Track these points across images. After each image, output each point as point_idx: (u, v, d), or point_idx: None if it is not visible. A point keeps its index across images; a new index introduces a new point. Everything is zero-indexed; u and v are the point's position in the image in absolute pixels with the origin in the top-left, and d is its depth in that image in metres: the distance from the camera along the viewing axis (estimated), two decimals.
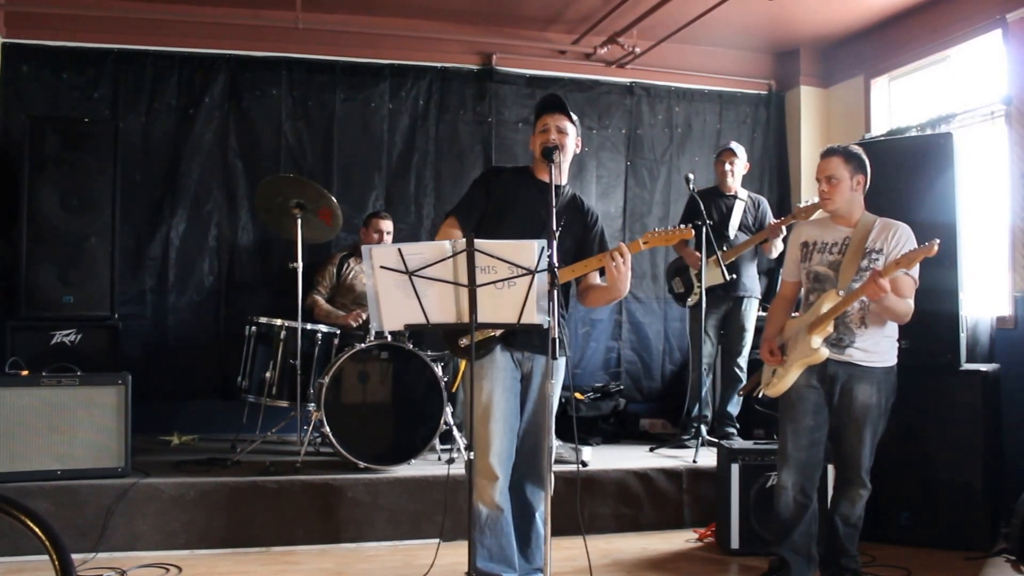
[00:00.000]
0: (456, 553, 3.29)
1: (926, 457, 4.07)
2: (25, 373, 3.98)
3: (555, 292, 2.71)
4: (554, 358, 2.71)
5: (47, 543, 1.64)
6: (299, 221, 4.58)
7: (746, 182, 5.44)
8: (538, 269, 2.69)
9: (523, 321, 2.76)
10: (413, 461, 4.35)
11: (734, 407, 5.21)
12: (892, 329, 3.39)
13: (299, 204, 4.58)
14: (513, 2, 5.65)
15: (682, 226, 3.10)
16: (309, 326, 4.76)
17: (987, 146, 5.02)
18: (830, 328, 3.28)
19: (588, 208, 3.25)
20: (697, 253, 4.91)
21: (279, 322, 4.74)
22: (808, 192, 6.16)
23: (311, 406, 4.60)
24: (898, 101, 5.99)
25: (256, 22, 5.61)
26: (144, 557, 3.71)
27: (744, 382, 5.04)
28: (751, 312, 5.19)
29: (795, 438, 3.39)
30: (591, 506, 4.29)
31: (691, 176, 5.07)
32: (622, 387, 6.03)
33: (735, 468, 3.99)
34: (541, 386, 3.02)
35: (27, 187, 4.54)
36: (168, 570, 3.56)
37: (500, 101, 6.07)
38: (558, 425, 3.05)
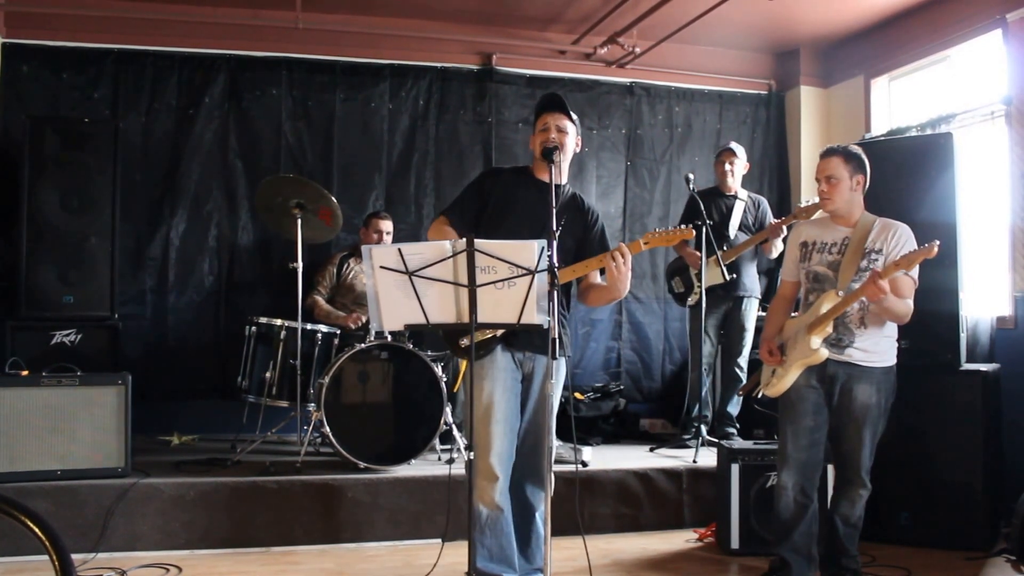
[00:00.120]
0: (456, 553, 3.29)
1: (926, 457, 4.07)
2: (25, 373, 3.98)
3: (555, 292, 2.71)
4: (554, 358, 2.71)
5: (47, 543, 1.64)
6: (299, 221, 4.58)
7: (746, 182, 5.44)
8: (538, 269, 2.69)
9: (523, 321, 2.76)
10: (413, 461, 4.35)
11: (734, 407, 5.21)
12: (891, 329, 3.39)
13: (299, 204, 4.58)
14: (513, 2, 5.65)
15: (682, 226, 3.10)
16: (309, 326, 4.76)
17: (987, 146, 5.02)
18: (829, 328, 3.28)
19: (588, 207, 3.25)
20: (697, 253, 4.91)
21: (279, 322, 4.74)
22: (808, 192, 6.16)
23: (311, 406, 4.60)
24: (898, 101, 5.99)
25: (256, 22, 5.61)
26: (144, 557, 3.71)
27: (744, 382, 5.04)
28: (751, 312, 5.19)
29: (795, 438, 3.39)
30: (591, 506, 4.29)
31: (691, 176, 5.07)
32: (622, 387, 6.03)
33: (735, 468, 3.99)
34: (542, 386, 3.02)
35: (27, 187, 4.54)
36: (168, 570, 3.56)
37: (500, 101, 6.07)
38: (558, 425, 3.05)
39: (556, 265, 2.73)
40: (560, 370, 3.12)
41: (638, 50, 6.03)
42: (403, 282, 2.76)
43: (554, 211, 2.84)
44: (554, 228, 2.81)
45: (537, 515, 3.16)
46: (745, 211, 5.23)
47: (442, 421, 4.34)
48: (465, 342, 2.95)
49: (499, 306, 2.75)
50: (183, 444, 5.05)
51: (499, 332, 3.03)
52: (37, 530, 1.66)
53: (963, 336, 4.09)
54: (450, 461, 4.34)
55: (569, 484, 3.96)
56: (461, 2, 5.63)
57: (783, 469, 3.43)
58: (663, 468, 4.49)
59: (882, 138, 4.83)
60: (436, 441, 4.44)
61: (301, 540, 3.98)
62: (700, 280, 4.93)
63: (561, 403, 3.26)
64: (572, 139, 3.17)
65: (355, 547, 4.00)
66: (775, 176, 6.55)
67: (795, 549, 3.41)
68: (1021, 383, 4.41)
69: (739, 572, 3.80)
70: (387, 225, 5.21)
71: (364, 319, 4.94)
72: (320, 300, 5.17)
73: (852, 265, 3.31)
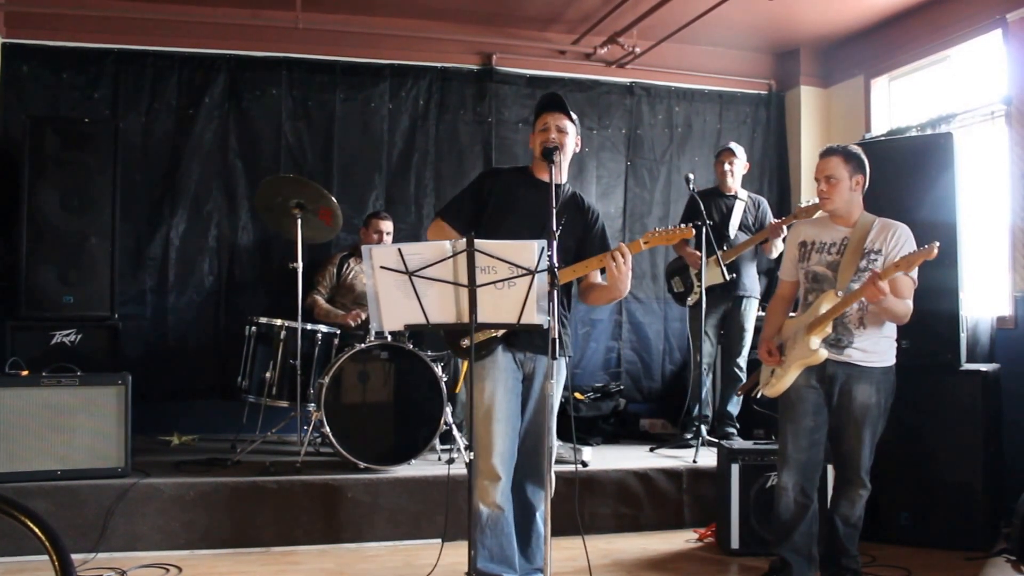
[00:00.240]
0: (456, 553, 3.29)
1: (926, 457, 4.07)
2: (25, 373, 3.97)
3: (555, 292, 2.71)
4: (554, 358, 2.71)
5: (47, 543, 1.64)
6: (299, 221, 4.58)
7: (746, 182, 5.44)
8: (538, 269, 2.69)
9: (523, 321, 2.76)
10: (413, 461, 4.35)
11: (734, 407, 5.21)
12: (891, 329, 3.39)
13: (299, 204, 4.58)
14: (513, 2, 5.65)
15: (682, 226, 3.10)
16: (309, 326, 4.76)
17: (987, 146, 5.02)
18: (829, 329, 3.28)
19: (588, 206, 3.25)
20: (697, 253, 4.91)
21: (279, 322, 4.74)
22: (808, 192, 6.15)
23: (311, 406, 4.60)
24: (898, 101, 5.99)
25: (256, 22, 5.61)
26: (144, 557, 3.71)
27: (743, 382, 5.04)
28: (751, 312, 5.19)
29: (795, 439, 3.39)
30: (591, 506, 4.29)
31: (691, 176, 5.07)
32: (622, 387, 6.03)
33: (735, 468, 3.99)
34: (542, 386, 3.01)
35: (27, 187, 4.54)
36: (168, 570, 3.56)
37: (500, 101, 6.07)
38: (558, 425, 3.05)
39: (556, 265, 2.73)
40: (560, 370, 3.12)
41: (638, 50, 6.03)
42: (403, 282, 2.76)
43: (554, 211, 2.84)
44: (554, 228, 2.81)
45: (537, 515, 3.16)
46: (745, 211, 5.23)
47: (442, 421, 4.34)
48: (466, 343, 2.94)
49: (499, 306, 2.75)
50: (183, 444, 5.05)
51: (499, 332, 3.03)
52: (37, 530, 1.66)
53: (963, 336, 4.10)
54: (450, 461, 4.33)
55: (569, 484, 3.96)
56: (461, 2, 5.63)
57: (783, 469, 3.43)
58: (663, 468, 4.49)
59: (882, 138, 4.83)
60: (436, 441, 4.44)
61: (301, 540, 3.98)
62: (700, 280, 4.93)
63: (561, 403, 3.27)
64: (572, 139, 3.17)
65: (355, 547, 4.00)
66: (775, 176, 6.55)
67: (795, 549, 3.40)
68: (1021, 383, 4.41)
69: (739, 572, 3.80)
70: (387, 225, 5.21)
71: (364, 316, 4.95)
72: (320, 300, 5.17)
73: (851, 265, 3.30)
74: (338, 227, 4.84)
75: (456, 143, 6.01)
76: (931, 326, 4.00)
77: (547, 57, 6.19)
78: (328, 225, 4.77)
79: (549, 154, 2.98)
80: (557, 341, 2.70)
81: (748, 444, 4.26)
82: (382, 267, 2.75)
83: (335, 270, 5.28)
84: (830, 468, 3.70)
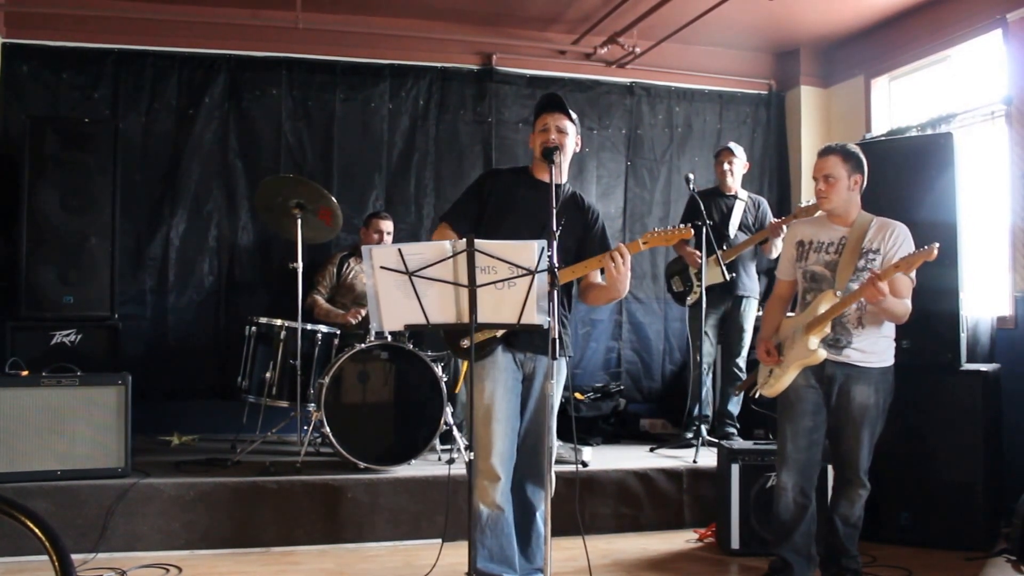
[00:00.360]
0: (457, 553, 3.29)
1: (926, 457, 4.07)
2: (25, 373, 3.97)
3: (555, 292, 2.71)
4: (554, 358, 2.70)
5: (47, 544, 1.64)
6: (299, 221, 4.58)
7: (746, 182, 5.44)
8: (538, 269, 2.69)
9: (523, 321, 2.76)
10: (413, 461, 4.35)
11: (734, 407, 5.21)
12: (889, 329, 3.38)
13: (299, 204, 4.58)
14: (513, 2, 5.65)
15: (682, 226, 3.10)
16: (309, 326, 4.75)
17: (987, 146, 5.02)
18: (827, 329, 3.27)
19: (588, 205, 3.25)
20: (697, 252, 4.91)
21: (279, 322, 4.74)
22: (808, 192, 6.14)
23: (311, 406, 4.60)
24: (898, 101, 5.99)
25: (256, 22, 5.61)
26: (144, 557, 3.71)
27: (742, 381, 5.05)
28: (750, 312, 5.19)
29: (794, 439, 3.39)
30: (591, 506, 4.29)
31: (691, 176, 5.07)
32: (622, 387, 6.03)
33: (735, 468, 3.99)
34: (543, 386, 3.01)
35: (27, 187, 4.54)
36: (168, 570, 3.56)
37: (500, 101, 6.07)
38: (558, 425, 3.05)
39: (556, 265, 2.73)
40: (561, 370, 3.12)
41: (638, 50, 6.03)
42: (403, 282, 2.76)
43: (554, 211, 2.84)
44: (554, 228, 2.81)
45: (537, 515, 3.16)
46: (745, 211, 5.24)
47: (442, 421, 4.34)
48: (466, 343, 2.94)
49: (499, 306, 2.75)
50: (183, 444, 5.05)
51: (499, 333, 3.03)
52: (37, 530, 1.66)
53: (963, 336, 4.09)
54: (450, 461, 4.33)
55: (569, 484, 3.96)
56: (461, 2, 5.63)
57: (782, 470, 3.42)
58: (663, 468, 4.49)
59: (882, 138, 4.83)
60: (436, 441, 4.44)
61: (301, 540, 3.98)
62: (699, 280, 4.94)
63: (561, 403, 3.26)
64: (572, 139, 3.17)
65: (355, 547, 4.00)
66: (775, 176, 6.55)
67: (795, 550, 3.40)
68: (1021, 383, 4.41)
69: (739, 572, 3.80)
70: (387, 225, 5.21)
71: (364, 313, 4.94)
72: (320, 300, 5.17)
73: (849, 265, 3.30)
74: (338, 227, 4.84)
75: (456, 143, 6.01)
76: (931, 326, 4.00)
77: (547, 57, 6.19)
78: (328, 225, 4.77)
79: (549, 154, 2.98)
80: (557, 341, 2.70)
81: (748, 444, 4.25)
82: (382, 267, 2.75)
83: (335, 270, 5.28)
84: (830, 468, 3.69)
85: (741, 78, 6.51)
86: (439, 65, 5.97)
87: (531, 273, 2.70)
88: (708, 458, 4.48)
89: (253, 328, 4.79)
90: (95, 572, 3.49)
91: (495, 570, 3.04)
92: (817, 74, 6.46)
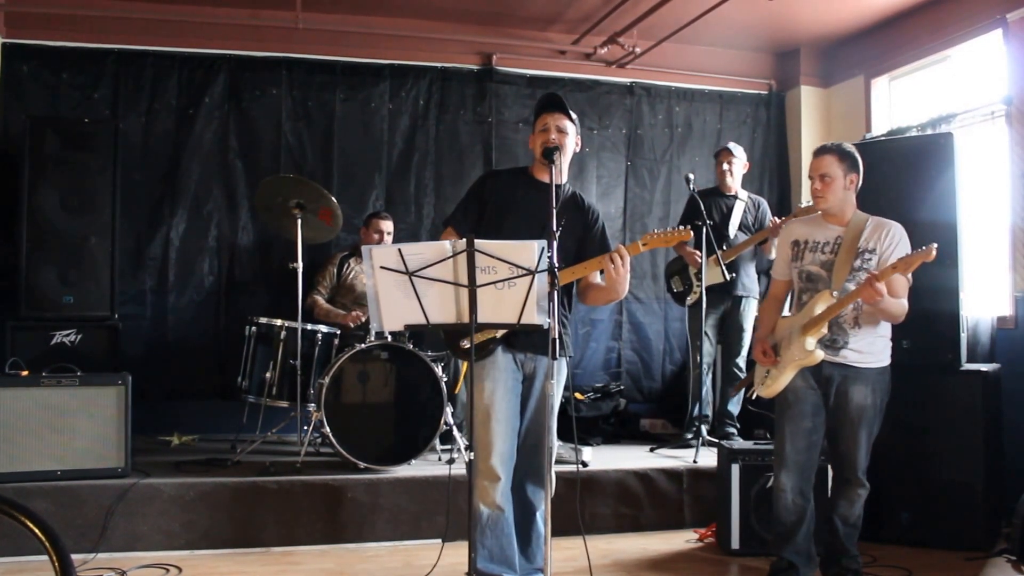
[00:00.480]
0: (457, 553, 3.29)
1: (926, 457, 4.07)
2: (25, 373, 3.97)
3: (555, 292, 2.71)
4: (554, 358, 2.70)
5: (47, 544, 1.64)
6: (299, 221, 4.58)
7: (746, 182, 5.44)
8: (538, 269, 2.69)
9: (523, 321, 2.76)
10: (413, 461, 4.35)
11: (734, 406, 5.21)
12: (885, 329, 3.38)
13: (299, 204, 4.58)
14: (513, 2, 5.65)
15: (681, 228, 3.10)
16: (309, 326, 4.75)
17: (987, 146, 5.02)
18: (824, 329, 3.27)
19: (588, 205, 3.25)
20: (696, 252, 4.92)
21: (279, 322, 4.74)
22: (808, 192, 6.14)
23: (311, 406, 4.60)
24: (898, 101, 5.99)
25: (256, 22, 5.60)
26: (144, 558, 3.71)
27: (738, 382, 5.05)
28: (750, 312, 5.19)
29: (793, 440, 3.38)
30: (591, 506, 4.29)
31: (691, 176, 5.07)
32: (622, 387, 6.03)
33: (735, 468, 3.99)
34: (543, 386, 3.01)
35: (27, 187, 4.54)
36: (168, 570, 3.56)
37: (500, 101, 6.07)
38: (558, 425, 3.05)
39: (557, 265, 2.73)
40: (561, 370, 3.12)
41: (638, 50, 6.03)
42: (403, 282, 2.76)
43: (554, 211, 2.84)
44: (554, 228, 2.81)
45: (538, 514, 3.16)
46: (745, 211, 5.24)
47: (442, 421, 4.34)
48: (466, 344, 2.94)
49: (499, 306, 2.75)
50: (183, 444, 5.05)
51: (499, 333, 3.03)
52: (37, 530, 1.66)
53: (963, 336, 4.09)
54: (450, 461, 4.33)
55: (569, 484, 3.95)
56: (461, 2, 5.63)
57: (781, 471, 3.42)
58: (663, 468, 4.49)
59: (882, 138, 4.83)
60: (436, 441, 4.43)
61: (301, 540, 3.98)
62: (699, 279, 4.93)
63: (561, 403, 3.26)
64: (572, 139, 3.17)
65: (355, 547, 4.00)
66: (775, 176, 6.55)
67: (797, 551, 3.41)
68: (1021, 383, 4.41)
69: (739, 572, 3.80)
70: (387, 225, 5.21)
71: (364, 318, 4.94)
72: (320, 300, 5.17)
73: (845, 265, 3.29)
74: (338, 227, 4.84)
75: (456, 143, 6.01)
76: (932, 326, 4.00)
77: (547, 57, 6.18)
78: (328, 225, 4.77)
79: (549, 154, 2.98)
80: (557, 341, 2.70)
81: (748, 444, 4.25)
82: (382, 267, 2.75)
83: (335, 270, 5.28)
84: (829, 468, 3.69)
85: (741, 78, 6.51)
86: (439, 65, 5.97)
87: (531, 273, 2.70)
88: (708, 458, 4.48)
89: (253, 328, 4.79)
90: (95, 572, 3.49)
91: (495, 570, 3.04)
92: (817, 74, 6.46)
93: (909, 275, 3.24)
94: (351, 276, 5.27)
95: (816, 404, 3.37)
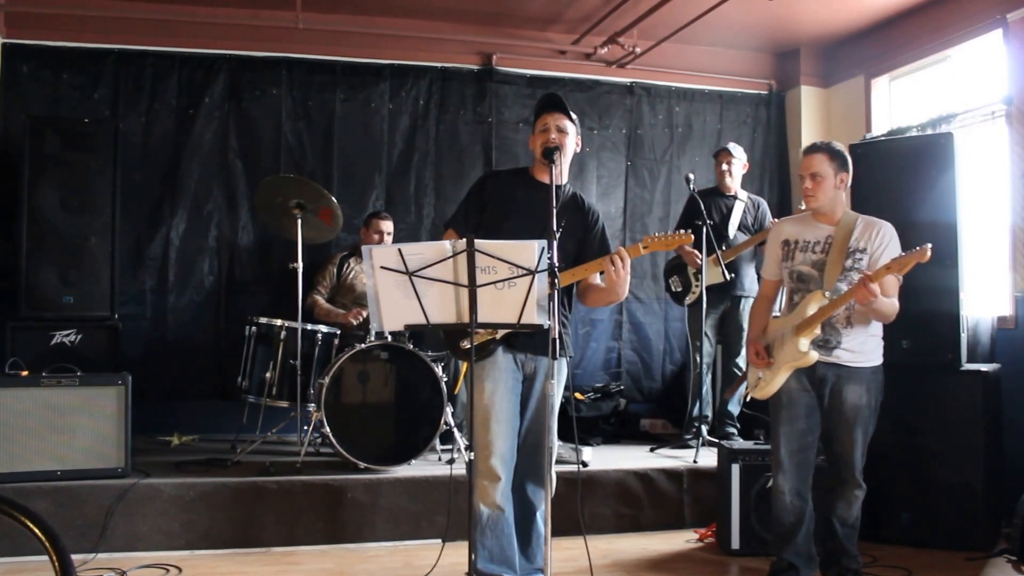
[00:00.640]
0: (457, 554, 3.29)
1: (926, 457, 4.07)
2: (25, 373, 3.97)
3: (556, 292, 2.71)
4: (554, 358, 2.70)
5: (47, 544, 1.64)
6: (299, 221, 4.58)
7: (746, 182, 5.44)
8: (538, 269, 2.69)
9: (523, 321, 2.76)
10: (413, 461, 4.34)
11: (734, 406, 5.21)
12: (877, 328, 3.37)
13: (299, 204, 4.58)
14: (513, 2, 5.65)
15: (682, 232, 3.09)
16: (309, 326, 4.75)
17: (988, 146, 5.02)
18: (818, 330, 3.26)
19: (589, 206, 3.25)
20: (696, 252, 4.92)
21: (279, 322, 4.74)
22: None
23: (311, 406, 4.60)
24: (899, 101, 5.99)
25: (256, 22, 5.60)
26: (144, 558, 3.71)
27: (731, 385, 5.06)
28: (749, 312, 5.18)
29: (789, 441, 3.38)
30: (591, 506, 4.28)
31: (691, 176, 5.07)
32: (622, 387, 6.03)
33: (735, 468, 3.99)
34: (543, 386, 3.01)
35: (27, 187, 4.54)
36: (168, 571, 3.56)
37: (500, 101, 6.07)
38: (558, 425, 3.05)
39: (557, 266, 2.72)
40: (561, 370, 3.12)
41: (638, 50, 6.03)
42: (403, 282, 2.76)
43: (554, 212, 2.84)
44: (554, 229, 2.81)
45: (538, 514, 3.16)
46: (744, 212, 5.24)
47: (442, 421, 4.34)
48: (465, 344, 2.94)
49: (499, 306, 2.75)
50: (183, 444, 5.05)
51: (499, 334, 3.03)
52: (37, 530, 1.66)
53: (964, 336, 4.09)
54: (451, 461, 4.33)
55: (570, 484, 3.95)
56: (461, 2, 5.63)
57: (778, 473, 3.41)
58: (663, 468, 4.49)
59: (883, 138, 4.82)
60: (436, 441, 4.43)
61: (301, 540, 3.98)
62: (699, 279, 4.93)
63: (561, 403, 3.26)
64: (572, 139, 3.17)
65: (355, 547, 4.00)
66: (775, 176, 6.55)
67: (797, 552, 3.40)
68: (1021, 383, 4.41)
69: (739, 572, 3.80)
70: (387, 226, 5.21)
71: (364, 314, 4.94)
72: (320, 300, 5.17)
73: (837, 265, 3.29)
74: (338, 227, 4.84)
75: (456, 143, 6.01)
76: (931, 326, 4.00)
77: (547, 57, 6.18)
78: (328, 225, 4.77)
79: (549, 154, 2.98)
80: (557, 341, 2.70)
81: (749, 444, 4.25)
82: (382, 267, 2.75)
83: (335, 270, 5.28)
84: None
85: (741, 78, 6.51)
86: (439, 65, 5.97)
87: (531, 273, 2.69)
88: (708, 458, 4.48)
89: (253, 328, 4.79)
90: (95, 572, 3.49)
91: (495, 570, 3.04)
92: (817, 74, 6.46)
93: (900, 274, 3.24)
94: (351, 276, 5.27)
95: (810, 405, 3.37)
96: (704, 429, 4.97)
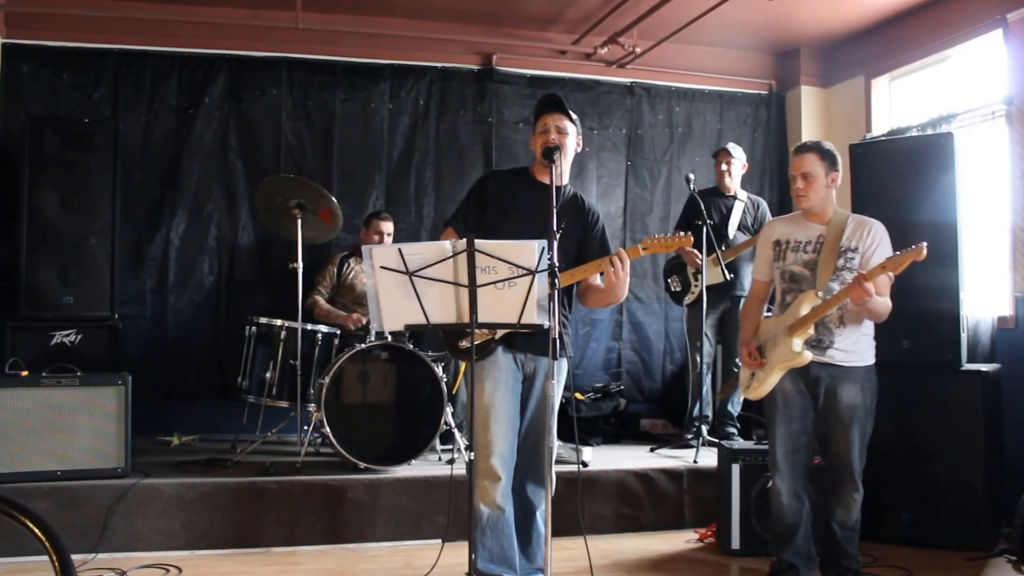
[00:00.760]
0: (457, 554, 3.28)
1: (927, 457, 4.07)
2: (25, 374, 3.97)
3: (556, 293, 2.71)
4: (554, 358, 2.70)
5: (47, 544, 1.64)
6: (299, 221, 4.58)
7: (746, 182, 5.44)
8: (538, 270, 2.69)
9: (523, 321, 2.76)
10: (414, 462, 4.34)
11: (734, 406, 5.21)
12: (869, 328, 3.37)
13: (299, 204, 4.58)
14: (513, 2, 5.65)
15: (681, 233, 3.10)
16: (309, 326, 4.75)
17: (988, 146, 5.02)
18: (811, 330, 3.26)
19: (589, 207, 3.25)
20: (696, 253, 4.92)
21: (279, 322, 4.74)
22: None
23: (311, 406, 4.60)
24: (899, 101, 5.99)
25: (256, 22, 5.60)
26: (144, 558, 3.71)
27: (724, 386, 5.06)
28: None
29: (783, 443, 3.38)
30: (592, 506, 4.28)
31: (691, 176, 5.07)
32: (623, 387, 6.03)
33: (736, 468, 3.99)
34: (543, 386, 3.01)
35: (27, 187, 4.54)
36: (168, 571, 3.56)
37: (500, 101, 6.07)
38: (558, 425, 3.05)
39: (557, 266, 2.72)
40: (561, 371, 3.12)
41: (638, 50, 6.03)
42: (403, 282, 2.76)
43: (554, 212, 2.84)
44: (554, 229, 2.81)
45: (538, 514, 3.16)
46: (744, 212, 5.24)
47: (443, 421, 4.34)
48: (464, 344, 2.94)
49: (499, 306, 2.75)
50: (183, 444, 5.05)
51: (498, 334, 3.03)
52: (37, 530, 1.66)
53: (964, 336, 4.09)
54: (451, 461, 4.33)
55: (570, 484, 3.95)
56: (461, 2, 5.63)
57: (775, 474, 3.41)
58: (664, 468, 4.49)
59: (883, 138, 4.82)
60: (436, 441, 4.43)
61: (302, 540, 3.98)
62: (697, 279, 4.93)
63: (561, 403, 3.26)
64: (572, 139, 3.17)
65: (355, 547, 4.00)
66: (775, 176, 6.54)
67: (797, 552, 3.40)
68: (1021, 383, 4.41)
69: (739, 573, 3.80)
70: (388, 227, 5.20)
71: (364, 320, 4.93)
72: (320, 300, 5.17)
73: (829, 264, 3.28)
74: (338, 227, 4.84)
75: (456, 143, 6.01)
76: (932, 326, 4.00)
77: (547, 57, 6.18)
78: (328, 225, 4.77)
79: (550, 154, 2.98)
80: (557, 341, 2.70)
81: (749, 444, 4.25)
82: (382, 267, 2.75)
83: (335, 270, 5.28)
84: None
85: (741, 78, 6.51)
86: (439, 65, 5.97)
87: (531, 273, 2.69)
88: (708, 458, 4.48)
89: (253, 328, 4.79)
90: (95, 572, 3.49)
91: (495, 570, 3.04)
92: (817, 74, 6.46)
93: (895, 273, 3.23)
94: (351, 276, 5.27)
95: (805, 406, 3.36)
96: (704, 429, 4.97)
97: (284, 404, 4.73)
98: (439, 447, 4.56)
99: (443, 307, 2.80)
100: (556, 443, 2.98)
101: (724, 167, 5.24)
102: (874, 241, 3.29)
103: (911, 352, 4.02)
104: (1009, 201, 4.80)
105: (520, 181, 3.22)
